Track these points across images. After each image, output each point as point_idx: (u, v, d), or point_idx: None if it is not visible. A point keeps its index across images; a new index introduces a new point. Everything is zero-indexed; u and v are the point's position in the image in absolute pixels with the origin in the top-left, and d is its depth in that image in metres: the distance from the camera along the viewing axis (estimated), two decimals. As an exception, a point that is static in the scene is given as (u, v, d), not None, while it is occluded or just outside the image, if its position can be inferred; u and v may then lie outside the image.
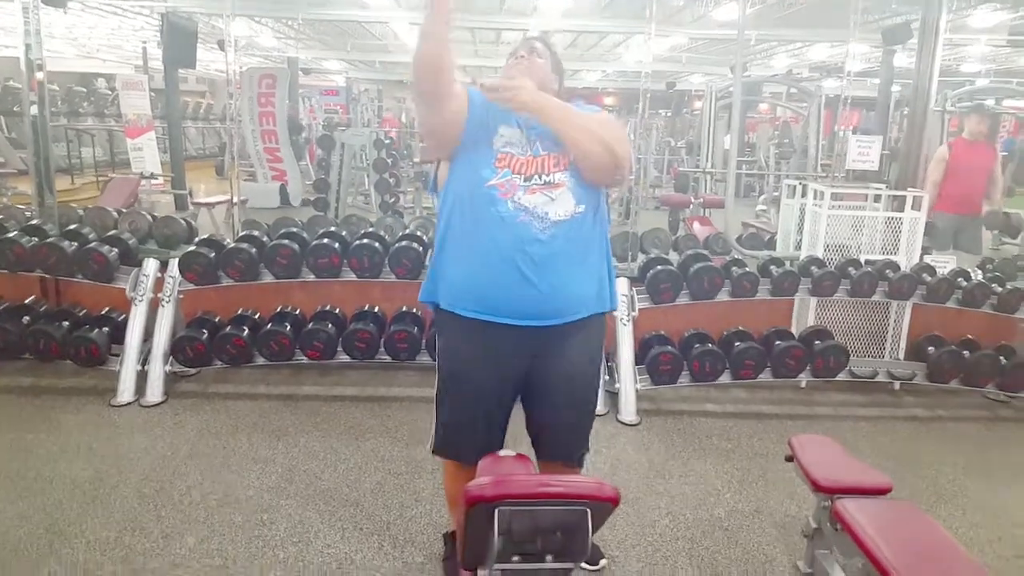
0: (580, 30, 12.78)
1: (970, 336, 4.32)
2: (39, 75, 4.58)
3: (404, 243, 3.93)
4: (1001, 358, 4.12)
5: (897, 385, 4.37)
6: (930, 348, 4.21)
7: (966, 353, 4.13)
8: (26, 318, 3.98)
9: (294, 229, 4.24)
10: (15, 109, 10.94)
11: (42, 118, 4.64)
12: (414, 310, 4.15)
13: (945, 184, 5.57)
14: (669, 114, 19.78)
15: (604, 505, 1.56)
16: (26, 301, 4.17)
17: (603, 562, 2.55)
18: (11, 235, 3.93)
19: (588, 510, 1.52)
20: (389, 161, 10.01)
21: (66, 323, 3.95)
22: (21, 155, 10.53)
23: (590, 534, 1.53)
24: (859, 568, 2.08)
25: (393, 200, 9.90)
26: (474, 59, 18.17)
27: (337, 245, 3.92)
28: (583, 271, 2.06)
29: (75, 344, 3.82)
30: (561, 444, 2.22)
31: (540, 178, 1.99)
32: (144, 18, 12.07)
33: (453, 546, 2.45)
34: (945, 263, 4.45)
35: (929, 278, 4.16)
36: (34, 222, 4.32)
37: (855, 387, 4.35)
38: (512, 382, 2.13)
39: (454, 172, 2.08)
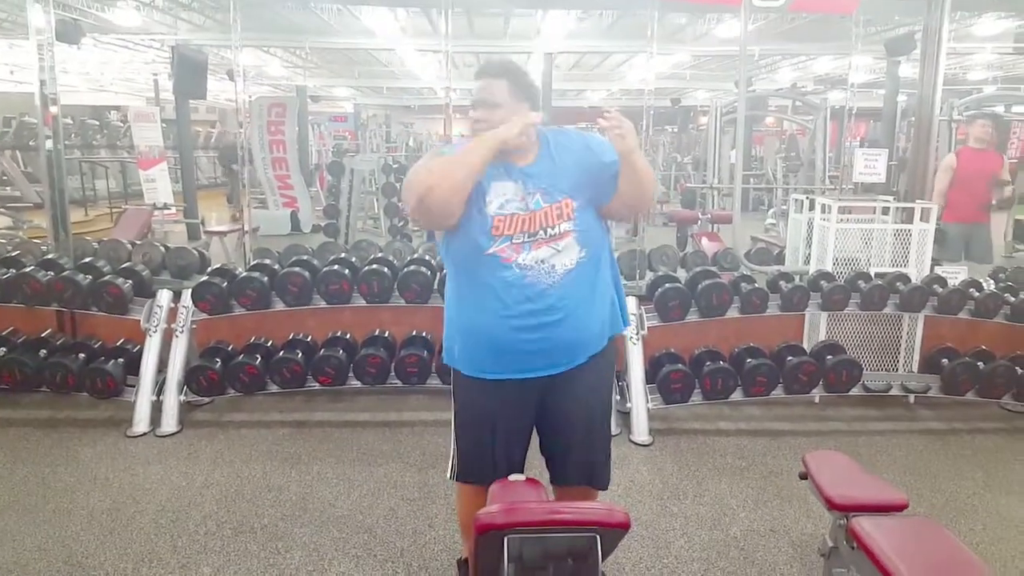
0: (583, 51, 12.89)
1: (984, 347, 4.28)
2: (53, 109, 4.67)
3: (412, 268, 3.96)
4: (1017, 368, 4.08)
5: (912, 398, 4.33)
6: (944, 360, 4.18)
7: (981, 364, 4.09)
8: (43, 351, 4.04)
9: (304, 256, 4.28)
10: (31, 143, 11.12)
11: (57, 152, 4.73)
12: (424, 334, 4.17)
13: (953, 193, 5.56)
14: (675, 130, 19.84)
15: (615, 531, 1.56)
16: (43, 334, 4.22)
17: None
18: (28, 270, 4.00)
19: (598, 536, 1.52)
20: (397, 185, 10.09)
21: (82, 355, 4.00)
22: (37, 189, 10.69)
23: (600, 560, 1.53)
24: (877, 587, 2.05)
25: (402, 223, 9.97)
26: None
27: (347, 271, 3.95)
28: (595, 309, 2.07)
29: (91, 376, 3.86)
30: (582, 469, 2.21)
31: (546, 232, 1.96)
32: (155, 51, 12.29)
33: (466, 573, 2.45)
34: (956, 274, 4.42)
35: (940, 289, 4.14)
36: (50, 256, 4.39)
37: (869, 401, 4.32)
38: (528, 418, 2.15)
39: (451, 239, 2.04)
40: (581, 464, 2.20)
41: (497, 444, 2.13)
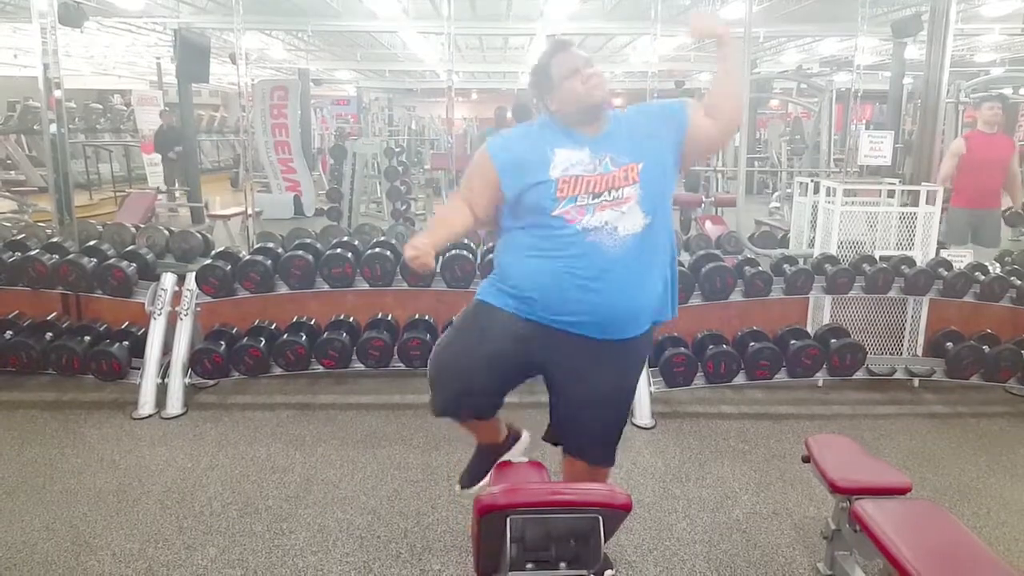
0: (587, 32, 12.80)
1: (989, 330, 4.26)
2: (57, 93, 4.67)
3: (416, 251, 3.95)
4: (1022, 352, 4.06)
5: (916, 382, 4.33)
6: (948, 344, 4.16)
7: (986, 348, 4.07)
8: (48, 334, 4.05)
9: (308, 240, 4.28)
10: (35, 127, 11.11)
11: (61, 136, 4.72)
12: (426, 317, 4.18)
13: (962, 178, 5.44)
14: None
15: (617, 512, 1.56)
16: (48, 317, 4.23)
17: (609, 573, 2.51)
18: (33, 253, 4.00)
19: (600, 517, 1.53)
20: (400, 169, 10.07)
21: (87, 338, 4.01)
22: (41, 172, 10.70)
23: (602, 541, 1.54)
24: (880, 570, 2.06)
25: (404, 207, 9.96)
26: (482, 65, 18.23)
27: (350, 255, 3.95)
28: (651, 282, 2.06)
29: (96, 359, 3.88)
30: (597, 446, 2.22)
31: (610, 194, 1.98)
32: (157, 34, 12.25)
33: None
34: (962, 257, 4.40)
35: (946, 273, 4.13)
36: (55, 239, 4.39)
37: (873, 385, 4.31)
38: (520, 361, 2.11)
39: (515, 205, 2.05)
40: (603, 442, 2.22)
41: (478, 360, 2.08)
